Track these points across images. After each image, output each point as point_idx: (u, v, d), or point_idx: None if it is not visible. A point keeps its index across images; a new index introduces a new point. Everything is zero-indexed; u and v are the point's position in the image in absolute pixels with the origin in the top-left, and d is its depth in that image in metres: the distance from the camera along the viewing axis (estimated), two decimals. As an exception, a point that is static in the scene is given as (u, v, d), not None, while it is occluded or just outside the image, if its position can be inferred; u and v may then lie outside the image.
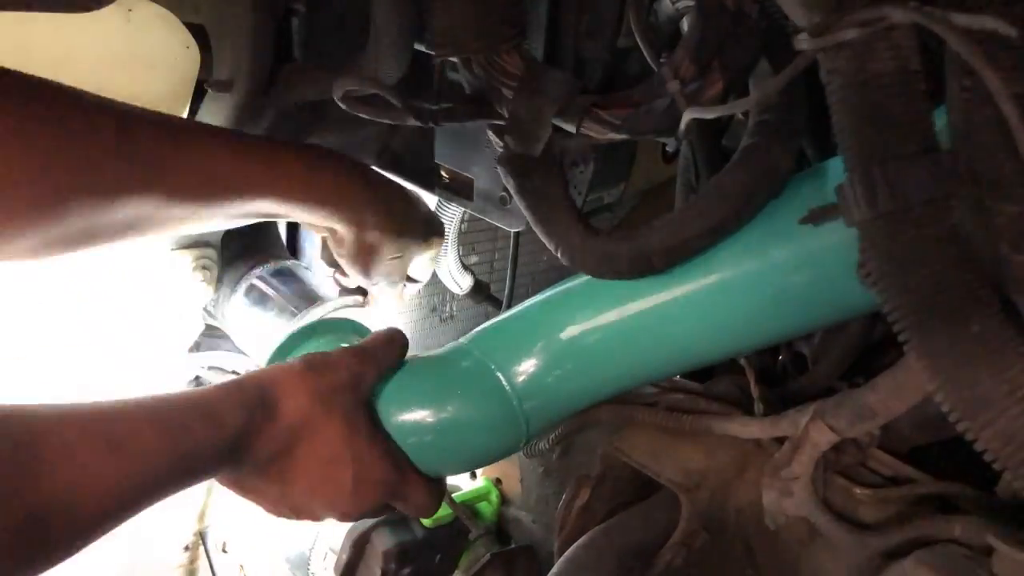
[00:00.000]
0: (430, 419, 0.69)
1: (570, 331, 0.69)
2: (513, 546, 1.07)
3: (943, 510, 0.68)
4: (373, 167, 0.82)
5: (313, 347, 0.74)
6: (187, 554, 1.31)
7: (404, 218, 0.83)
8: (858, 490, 0.70)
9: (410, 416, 0.69)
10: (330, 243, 0.82)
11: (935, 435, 0.75)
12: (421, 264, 0.91)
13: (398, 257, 0.84)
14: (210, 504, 1.29)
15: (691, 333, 0.66)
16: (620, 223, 1.19)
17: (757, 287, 0.62)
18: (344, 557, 1.01)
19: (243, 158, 0.69)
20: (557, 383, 0.70)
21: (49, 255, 0.61)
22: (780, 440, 0.74)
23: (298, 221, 0.78)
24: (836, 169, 0.60)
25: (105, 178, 0.60)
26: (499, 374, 0.70)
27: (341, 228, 0.79)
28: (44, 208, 0.58)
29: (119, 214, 0.62)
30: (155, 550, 1.29)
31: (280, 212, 0.73)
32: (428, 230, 0.88)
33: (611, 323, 0.68)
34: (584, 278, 0.71)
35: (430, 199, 1.14)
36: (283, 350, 0.74)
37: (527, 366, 0.70)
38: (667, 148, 1.05)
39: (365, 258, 0.82)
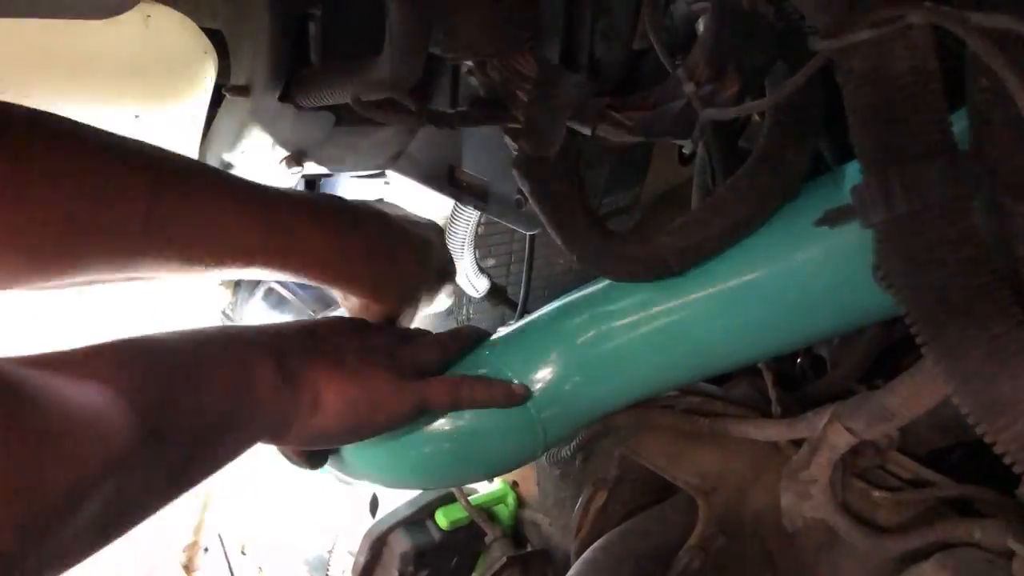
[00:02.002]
0: (447, 427, 0.69)
1: (586, 339, 0.69)
2: (529, 549, 1.07)
3: (964, 514, 0.68)
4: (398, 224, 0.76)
5: None
6: (206, 555, 1.32)
7: (416, 286, 0.77)
8: (877, 493, 0.70)
9: (427, 424, 0.69)
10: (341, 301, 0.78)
11: (956, 438, 0.74)
12: (437, 301, 0.88)
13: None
14: (224, 507, 1.30)
15: (710, 339, 0.66)
16: (636, 225, 1.19)
17: (775, 292, 0.62)
18: (361, 559, 1.02)
19: (262, 231, 0.64)
20: (575, 391, 0.69)
21: (35, 290, 0.59)
22: (798, 443, 0.73)
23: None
24: (854, 172, 0.59)
25: (125, 244, 0.58)
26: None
27: (353, 300, 0.75)
28: (50, 267, 0.56)
29: (127, 273, 0.60)
30: (173, 552, 1.29)
31: (291, 279, 0.71)
32: (440, 280, 0.82)
33: (628, 331, 0.67)
34: (600, 284, 0.71)
35: (446, 202, 1.14)
36: None
37: (544, 374, 0.69)
38: (684, 150, 1.05)
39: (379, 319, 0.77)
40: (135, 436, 0.45)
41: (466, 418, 0.69)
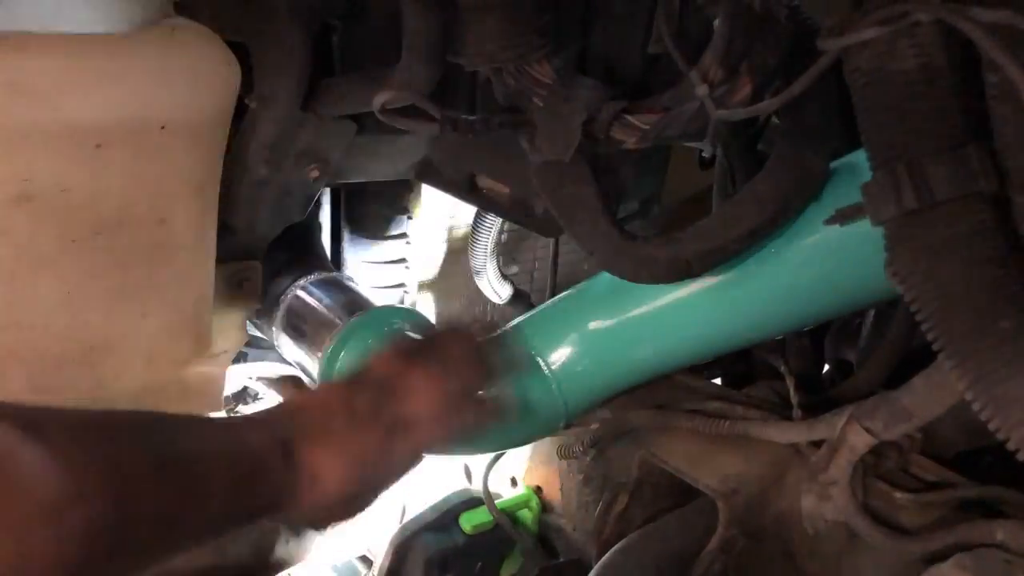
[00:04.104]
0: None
1: (603, 320, 0.75)
2: (561, 560, 1.06)
3: (988, 515, 0.67)
4: None
5: (363, 344, 0.77)
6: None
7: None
8: (899, 495, 0.69)
9: None
10: None
11: (981, 440, 0.73)
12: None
13: None
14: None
15: (716, 319, 0.70)
16: (662, 230, 1.19)
17: (780, 275, 0.65)
18: (386, 564, 1.02)
19: None
20: (592, 367, 0.76)
21: None
22: (819, 445, 0.73)
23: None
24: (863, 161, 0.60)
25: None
26: (539, 359, 0.76)
27: None
28: None
29: None
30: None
31: None
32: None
33: (642, 312, 0.73)
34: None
35: (468, 209, 1.15)
36: (335, 351, 0.77)
37: (564, 352, 0.76)
38: (703, 154, 1.05)
39: None
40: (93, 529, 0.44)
41: (494, 391, 0.74)
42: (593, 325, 0.75)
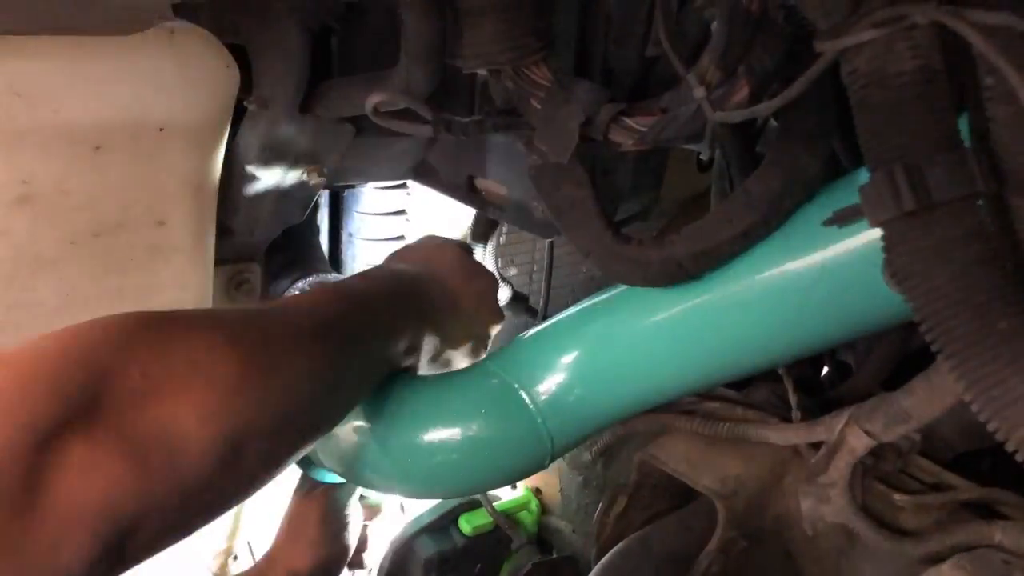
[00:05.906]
0: (456, 438, 0.70)
1: (590, 350, 0.70)
2: (555, 555, 1.07)
3: (987, 517, 0.67)
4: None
5: None
6: (236, 563, 1.33)
7: (476, 334, 0.84)
8: (898, 496, 0.69)
9: (435, 435, 0.70)
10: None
11: (980, 442, 0.73)
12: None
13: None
14: (253, 514, 1.31)
15: (715, 348, 0.66)
16: (661, 232, 1.19)
17: (782, 299, 0.62)
18: (385, 565, 1.03)
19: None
20: (580, 401, 0.70)
21: None
22: (818, 447, 0.73)
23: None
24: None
25: None
26: (523, 393, 0.71)
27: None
28: None
29: None
30: (203, 558, 1.31)
31: None
32: (495, 325, 0.87)
33: (630, 342, 0.69)
34: (603, 296, 0.72)
35: (467, 212, 1.15)
36: None
37: (550, 385, 0.71)
38: (701, 157, 1.05)
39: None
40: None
41: (474, 429, 0.70)
42: (583, 355, 0.70)
